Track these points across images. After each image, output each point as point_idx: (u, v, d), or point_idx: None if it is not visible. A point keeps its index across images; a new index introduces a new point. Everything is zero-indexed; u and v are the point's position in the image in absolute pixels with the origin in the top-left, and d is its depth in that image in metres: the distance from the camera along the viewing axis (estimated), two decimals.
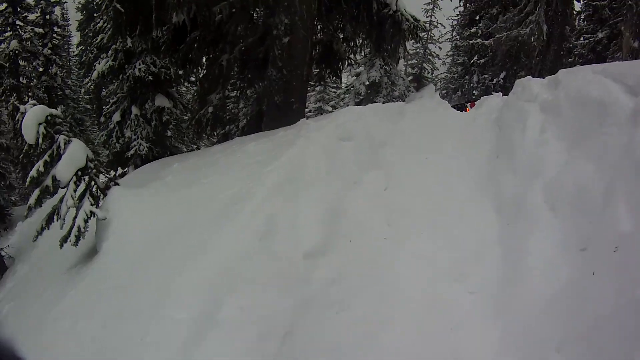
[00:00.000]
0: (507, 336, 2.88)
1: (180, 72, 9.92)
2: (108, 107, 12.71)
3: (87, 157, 4.95)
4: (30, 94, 17.74)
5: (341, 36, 9.10)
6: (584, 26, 19.99)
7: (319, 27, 8.85)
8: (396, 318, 3.06)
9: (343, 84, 23.45)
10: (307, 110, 24.93)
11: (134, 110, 10.67)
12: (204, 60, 8.78)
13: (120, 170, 10.85)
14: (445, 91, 27.24)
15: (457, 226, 3.99)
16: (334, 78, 10.02)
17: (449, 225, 4.02)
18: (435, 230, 3.98)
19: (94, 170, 5.09)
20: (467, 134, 5.68)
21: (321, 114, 24.12)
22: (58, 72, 19.64)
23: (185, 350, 2.94)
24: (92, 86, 16.08)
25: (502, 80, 18.56)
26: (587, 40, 18.67)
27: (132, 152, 10.59)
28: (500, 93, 7.56)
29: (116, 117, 10.91)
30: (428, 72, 26.71)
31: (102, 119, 13.10)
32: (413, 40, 9.48)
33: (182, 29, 7.92)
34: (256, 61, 7.97)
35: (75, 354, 3.44)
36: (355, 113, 5.83)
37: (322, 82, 10.30)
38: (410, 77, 24.68)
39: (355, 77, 21.13)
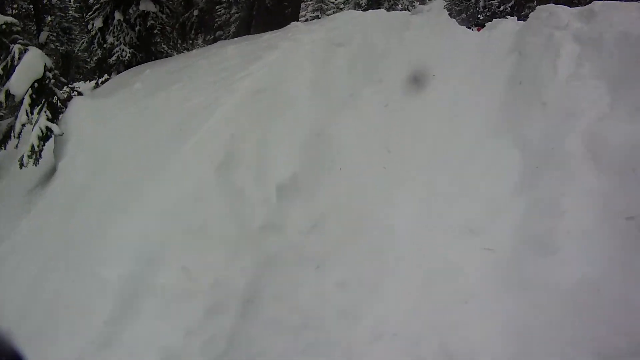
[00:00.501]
0: (519, 325, 2.23)
1: None
2: (90, 13, 11.81)
3: (44, 66, 4.33)
4: (14, 5, 15.87)
5: None
6: None
7: None
8: (388, 285, 2.35)
9: None
10: (302, 18, 23.05)
11: (117, 15, 10.00)
12: None
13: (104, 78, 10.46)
14: (448, 12, 25.53)
15: (469, 166, 3.21)
16: None
17: (459, 164, 3.23)
18: (442, 170, 3.20)
19: (53, 81, 4.46)
20: (480, 56, 4.76)
21: None
22: None
23: (111, 324, 2.20)
24: None
25: (509, 8, 17.00)
26: None
27: (114, 58, 10.10)
28: (516, 18, 6.65)
29: (98, 23, 10.30)
30: None
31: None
32: None
33: None
34: None
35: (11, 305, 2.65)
36: (354, 17, 4.83)
37: None
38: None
39: None
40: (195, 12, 7.78)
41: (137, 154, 3.35)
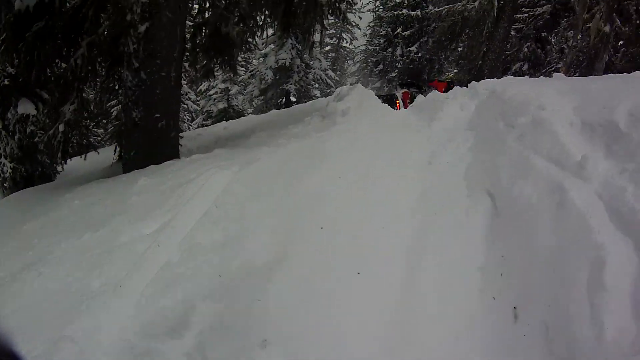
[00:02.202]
0: None
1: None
2: None
3: None
4: None
5: (236, 14, 6.87)
6: None
7: (204, 4, 6.65)
8: None
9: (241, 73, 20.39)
10: (212, 91, 21.91)
11: None
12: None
13: None
14: (365, 64, 25.74)
15: None
16: (227, 69, 7.81)
17: None
18: None
19: None
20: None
21: (228, 103, 21.08)
22: None
23: None
24: None
25: (426, 58, 17.18)
26: (525, 15, 15.75)
27: None
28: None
29: None
30: (347, 42, 25.02)
31: None
32: (333, 17, 7.53)
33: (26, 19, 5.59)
34: (115, 59, 5.67)
35: None
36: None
37: (209, 78, 8.09)
38: (328, 55, 22.68)
39: (261, 60, 18.46)
40: (61, 128, 6.00)
41: None
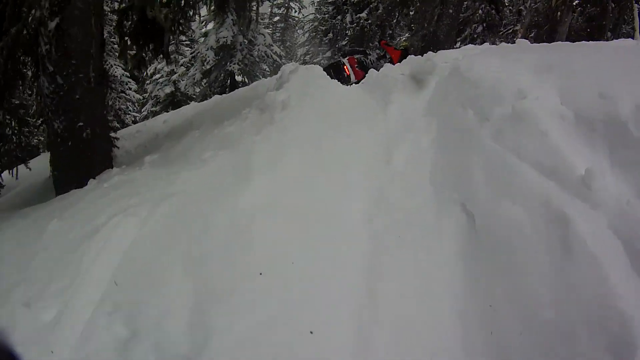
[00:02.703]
0: None
1: None
2: None
3: None
4: None
5: None
6: None
7: None
8: None
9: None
10: (158, 75, 20.35)
11: None
12: None
13: None
14: (314, 33, 24.52)
15: None
16: (160, 57, 6.82)
17: None
18: None
19: None
20: None
21: (175, 87, 19.56)
22: None
23: None
24: None
25: (378, 21, 16.15)
26: None
27: None
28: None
29: None
30: (295, 12, 23.71)
31: None
32: None
33: None
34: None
35: None
36: None
37: (140, 68, 7.07)
38: (277, 26, 21.34)
39: (202, 40, 16.88)
40: None
41: None
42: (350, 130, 3.85)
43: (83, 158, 5.14)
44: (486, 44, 6.27)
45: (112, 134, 8.12)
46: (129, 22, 6.44)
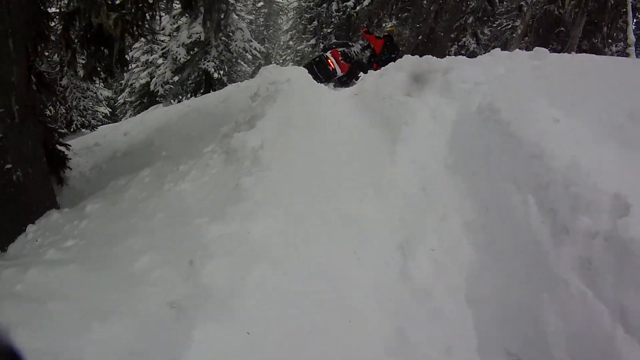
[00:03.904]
0: None
1: None
2: None
3: None
4: None
5: None
6: None
7: None
8: None
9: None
10: (134, 65, 19.17)
11: None
12: None
13: None
14: (298, 20, 23.30)
15: None
16: (118, 67, 5.90)
17: None
18: None
19: None
20: None
21: (150, 78, 18.45)
22: None
23: None
24: None
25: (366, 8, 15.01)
26: None
27: None
28: None
29: None
30: None
31: None
32: None
33: None
34: None
35: None
36: None
37: (96, 81, 6.15)
38: (261, 11, 20.05)
39: (172, 37, 15.44)
40: None
41: None
42: (346, 204, 2.96)
43: (16, 203, 4.48)
44: (505, 54, 4.73)
45: (64, 150, 7.18)
46: (77, 29, 5.63)
